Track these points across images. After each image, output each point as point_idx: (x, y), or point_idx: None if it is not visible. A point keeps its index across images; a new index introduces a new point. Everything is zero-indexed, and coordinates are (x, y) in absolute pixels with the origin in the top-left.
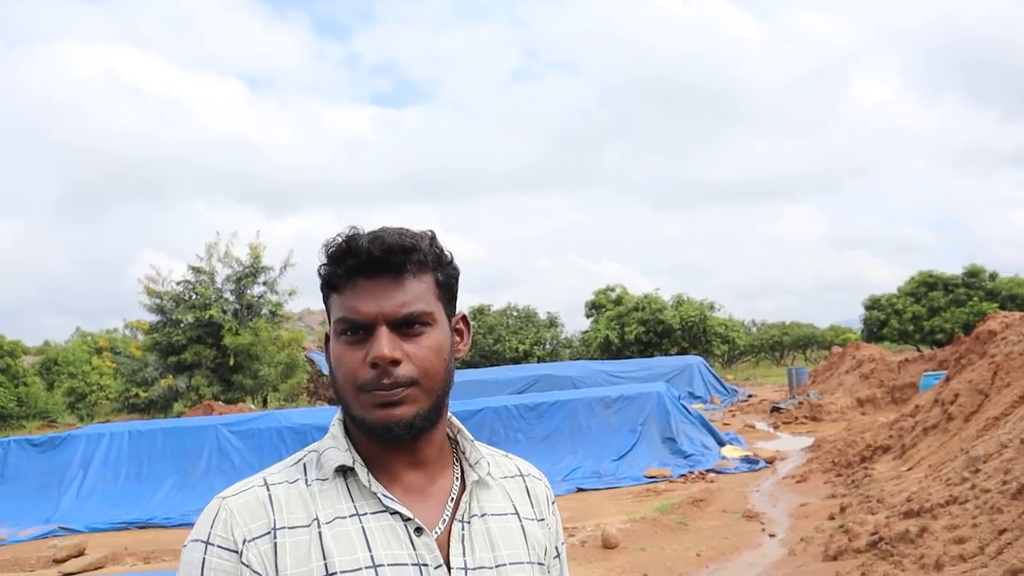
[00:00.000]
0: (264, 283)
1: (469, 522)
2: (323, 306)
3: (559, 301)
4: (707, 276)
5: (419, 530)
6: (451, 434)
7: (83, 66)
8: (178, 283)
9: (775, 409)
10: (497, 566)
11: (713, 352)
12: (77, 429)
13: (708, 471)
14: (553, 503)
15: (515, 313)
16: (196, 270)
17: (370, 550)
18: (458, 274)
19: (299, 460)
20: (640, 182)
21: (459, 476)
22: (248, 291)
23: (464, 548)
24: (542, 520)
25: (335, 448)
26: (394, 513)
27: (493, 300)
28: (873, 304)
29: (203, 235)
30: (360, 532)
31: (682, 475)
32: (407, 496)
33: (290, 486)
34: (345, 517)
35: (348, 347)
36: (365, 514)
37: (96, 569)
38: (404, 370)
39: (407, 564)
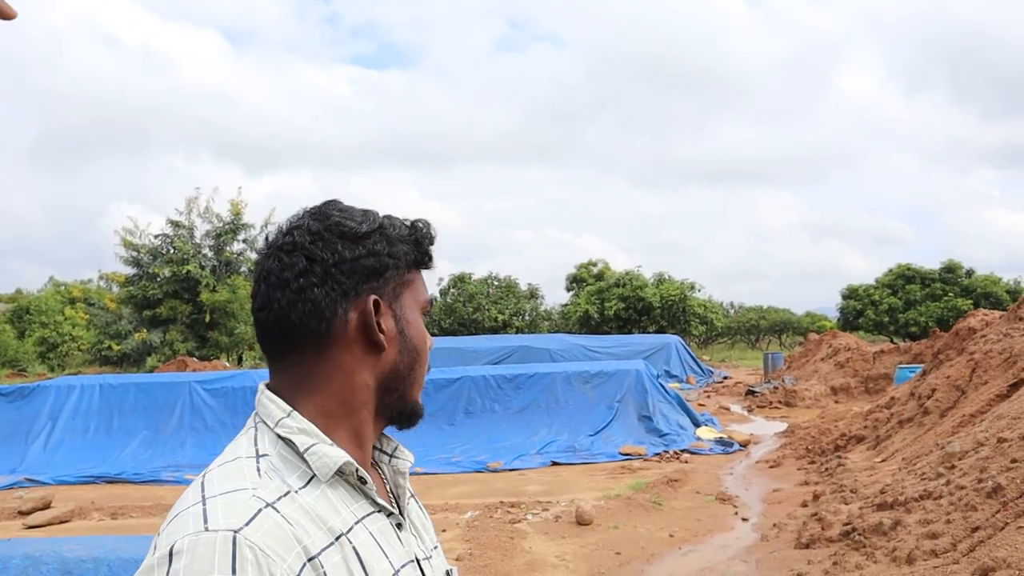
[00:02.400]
0: (244, 241)
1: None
2: None
3: (538, 273)
4: (686, 256)
5: (400, 525)
6: None
7: (58, 9)
8: (156, 236)
9: (750, 392)
10: (434, 548)
11: (691, 332)
12: (47, 380)
13: (683, 451)
14: None
15: (496, 283)
16: (175, 224)
17: (387, 556)
18: None
19: (264, 471)
20: (622, 159)
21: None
22: (227, 248)
23: (415, 538)
24: None
25: (322, 443)
26: (381, 510)
27: (473, 270)
28: (850, 294)
29: (180, 189)
30: (371, 537)
31: (657, 454)
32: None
33: (291, 500)
34: (352, 525)
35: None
36: (368, 515)
37: (62, 523)
38: None
39: (409, 563)
